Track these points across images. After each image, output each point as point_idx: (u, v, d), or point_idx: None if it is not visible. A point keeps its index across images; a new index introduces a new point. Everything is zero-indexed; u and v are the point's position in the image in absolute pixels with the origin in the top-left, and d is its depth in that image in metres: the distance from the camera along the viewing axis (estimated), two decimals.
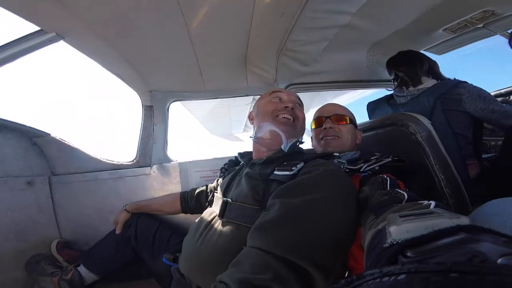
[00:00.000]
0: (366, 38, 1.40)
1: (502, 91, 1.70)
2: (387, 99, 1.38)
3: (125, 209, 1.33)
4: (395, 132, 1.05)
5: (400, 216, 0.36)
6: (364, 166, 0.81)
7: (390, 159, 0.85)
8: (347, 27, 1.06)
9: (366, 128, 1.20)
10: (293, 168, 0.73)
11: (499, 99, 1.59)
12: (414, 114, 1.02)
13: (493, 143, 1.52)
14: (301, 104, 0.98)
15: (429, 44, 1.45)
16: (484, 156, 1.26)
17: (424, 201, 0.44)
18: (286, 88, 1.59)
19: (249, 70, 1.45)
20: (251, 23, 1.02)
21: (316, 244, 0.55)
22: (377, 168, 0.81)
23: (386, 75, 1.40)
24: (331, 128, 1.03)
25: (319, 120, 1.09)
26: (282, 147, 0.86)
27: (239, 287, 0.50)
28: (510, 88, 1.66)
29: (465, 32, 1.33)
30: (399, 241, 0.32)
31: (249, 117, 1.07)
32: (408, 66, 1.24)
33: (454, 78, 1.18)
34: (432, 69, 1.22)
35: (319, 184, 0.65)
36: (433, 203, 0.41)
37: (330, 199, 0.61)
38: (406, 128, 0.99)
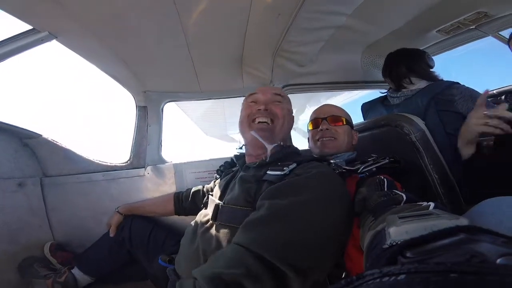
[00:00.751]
0: (361, 39, 1.42)
1: (494, 91, 1.73)
2: (381, 100, 1.39)
3: (118, 212, 1.31)
4: (390, 132, 1.06)
5: (400, 217, 0.36)
6: (362, 167, 0.81)
7: (387, 160, 0.85)
8: (343, 28, 1.07)
9: (361, 128, 1.21)
10: (284, 169, 0.73)
11: (490, 99, 1.62)
12: (408, 115, 1.03)
13: (485, 143, 1.55)
14: (281, 100, 0.95)
15: (423, 45, 1.47)
16: None
17: (423, 203, 0.45)
18: (282, 88, 1.59)
19: (245, 71, 1.44)
20: (247, 24, 1.02)
21: (296, 245, 0.55)
22: (374, 169, 0.81)
23: (380, 76, 1.41)
24: (327, 129, 1.03)
25: (315, 121, 1.09)
26: (263, 158, 0.86)
27: (207, 282, 0.50)
28: (501, 89, 1.70)
29: (458, 34, 1.35)
30: (399, 242, 0.32)
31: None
32: (392, 76, 1.25)
33: (442, 79, 1.20)
34: (424, 70, 1.21)
35: (308, 186, 0.65)
36: (432, 204, 0.42)
37: (317, 202, 0.61)
38: (400, 129, 1.00)
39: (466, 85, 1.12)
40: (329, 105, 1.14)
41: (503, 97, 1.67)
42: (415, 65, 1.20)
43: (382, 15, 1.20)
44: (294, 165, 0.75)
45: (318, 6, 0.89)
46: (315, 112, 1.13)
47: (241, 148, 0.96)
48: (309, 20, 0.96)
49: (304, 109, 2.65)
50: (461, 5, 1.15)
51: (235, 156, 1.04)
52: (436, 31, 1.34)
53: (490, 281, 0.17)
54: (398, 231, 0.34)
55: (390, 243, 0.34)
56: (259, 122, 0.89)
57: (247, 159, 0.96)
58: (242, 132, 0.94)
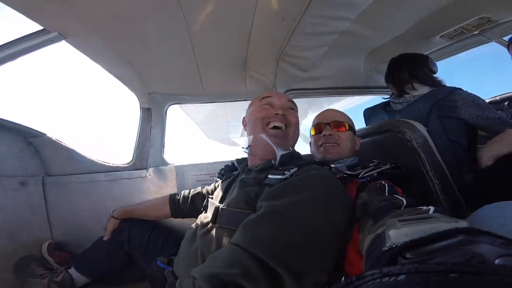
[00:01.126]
0: (364, 44, 1.42)
1: (497, 98, 1.72)
2: (383, 106, 1.39)
3: (113, 216, 1.28)
4: (391, 138, 1.06)
5: (399, 221, 0.37)
6: (363, 172, 0.81)
7: (388, 166, 0.84)
8: (346, 33, 1.08)
9: (363, 134, 1.21)
10: (285, 173, 0.73)
11: (493, 106, 1.61)
12: (410, 121, 1.03)
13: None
14: (293, 108, 0.96)
15: (426, 50, 1.46)
16: None
17: (423, 207, 0.45)
18: (284, 93, 1.60)
19: (248, 75, 1.46)
20: (252, 28, 1.03)
21: (290, 246, 0.55)
22: (375, 174, 0.81)
23: (383, 82, 1.42)
24: (330, 135, 1.02)
25: (318, 126, 1.08)
26: (273, 161, 0.85)
27: (206, 281, 0.51)
28: (504, 95, 1.69)
29: (462, 39, 1.35)
30: (398, 244, 0.32)
31: (242, 122, 1.06)
32: (394, 82, 1.25)
33: (445, 85, 1.20)
34: (426, 76, 1.20)
35: (305, 186, 0.65)
36: (432, 208, 0.42)
37: (314, 203, 0.61)
38: (402, 135, 1.00)
39: (469, 91, 1.12)
40: (332, 110, 1.13)
41: (506, 103, 1.66)
42: (417, 70, 1.20)
43: (386, 20, 1.20)
44: (295, 169, 0.75)
45: (322, 11, 0.90)
46: (318, 117, 1.12)
47: (247, 148, 0.95)
48: (313, 25, 0.97)
49: (306, 114, 2.66)
50: (464, 10, 1.15)
51: (237, 160, 1.04)
52: (439, 37, 1.33)
53: (490, 281, 0.18)
54: (398, 233, 0.34)
55: (390, 245, 0.34)
56: (274, 127, 0.89)
57: (250, 162, 0.96)
58: (253, 133, 0.92)
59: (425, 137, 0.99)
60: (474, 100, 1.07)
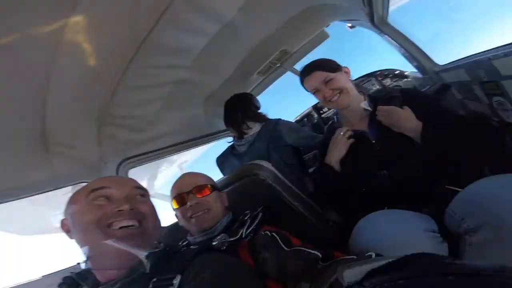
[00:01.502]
0: (200, 91, 1.46)
1: (298, 117, 2.27)
2: (230, 150, 1.46)
3: None
4: (250, 182, 1.11)
5: (348, 266, 0.37)
6: (244, 231, 0.80)
7: (261, 213, 0.87)
8: (182, 82, 1.06)
9: (223, 185, 1.18)
10: None
11: (299, 123, 2.08)
12: (258, 162, 1.13)
13: (307, 157, 1.93)
14: (144, 193, 0.75)
15: (249, 88, 1.68)
16: (310, 171, 1.60)
17: (353, 256, 0.51)
18: (119, 166, 1.26)
19: (55, 153, 1.04)
20: (51, 89, 0.74)
21: None
22: (255, 227, 0.81)
23: (223, 125, 1.49)
24: (197, 203, 0.92)
25: (180, 197, 0.94)
26: (140, 269, 0.61)
27: None
28: (302, 114, 2.25)
29: (271, 73, 1.64)
30: (356, 281, 0.33)
31: (62, 226, 0.70)
32: (233, 125, 1.38)
33: (269, 118, 1.41)
34: (255, 113, 1.39)
35: None
36: (373, 254, 0.48)
37: None
38: (257, 177, 1.07)
39: (284, 119, 1.39)
40: (190, 174, 1.03)
41: (305, 119, 2.21)
42: (247, 109, 1.37)
43: (215, 64, 1.28)
44: (178, 277, 0.56)
45: (151, 60, 0.83)
46: (176, 186, 0.98)
47: (85, 262, 0.62)
48: (142, 77, 0.87)
49: (156, 174, 2.32)
50: (270, 46, 1.39)
51: (78, 275, 0.65)
52: (256, 74, 1.56)
53: (489, 282, 0.20)
54: (353, 272, 0.34)
55: (348, 284, 0.34)
56: (121, 228, 0.62)
57: (100, 277, 0.63)
58: (88, 242, 0.62)
59: (274, 172, 1.11)
60: (292, 127, 1.39)
